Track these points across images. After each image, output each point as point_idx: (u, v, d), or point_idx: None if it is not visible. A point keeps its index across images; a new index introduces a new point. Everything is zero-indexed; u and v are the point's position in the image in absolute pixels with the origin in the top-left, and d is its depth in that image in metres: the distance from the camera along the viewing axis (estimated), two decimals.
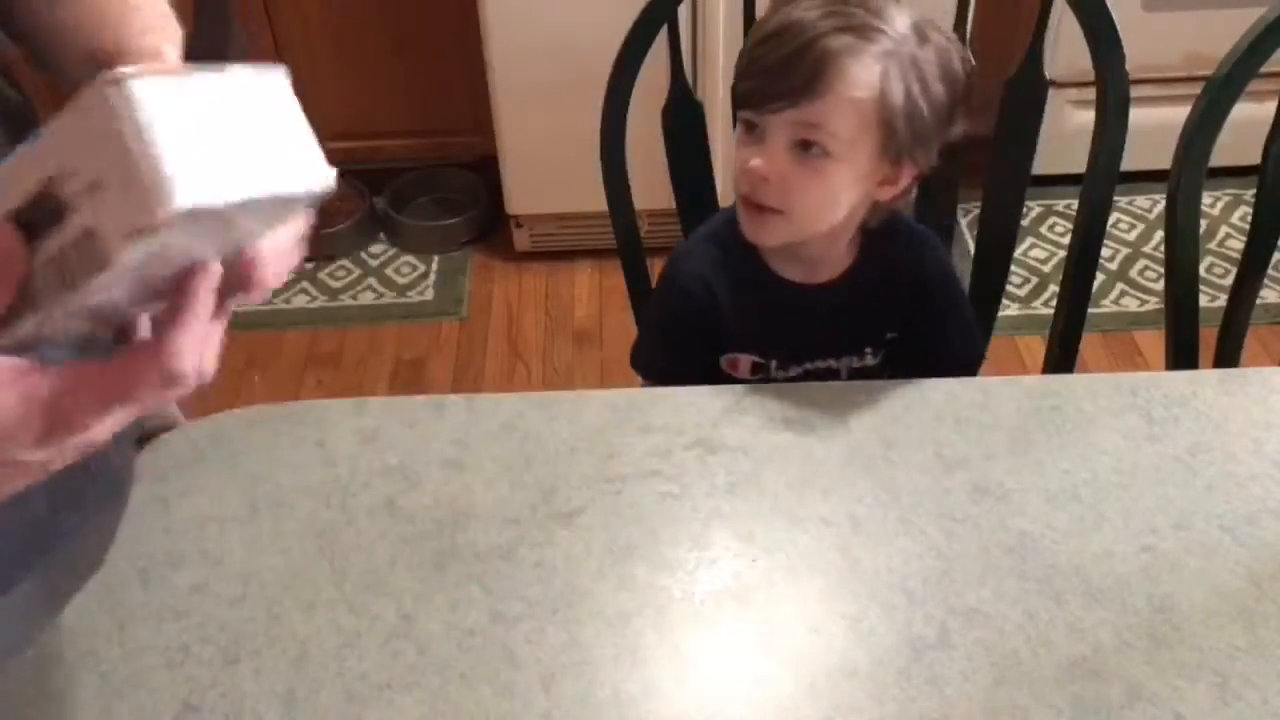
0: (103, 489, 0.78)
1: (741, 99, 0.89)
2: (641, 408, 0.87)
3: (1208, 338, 1.13)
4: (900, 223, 1.01)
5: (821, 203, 0.90)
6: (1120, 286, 2.19)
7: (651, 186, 1.23)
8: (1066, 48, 1.21)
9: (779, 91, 0.85)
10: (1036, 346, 2.02)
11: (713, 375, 1.01)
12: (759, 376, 1.01)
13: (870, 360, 1.01)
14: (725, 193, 1.16)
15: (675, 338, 1.03)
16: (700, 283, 0.99)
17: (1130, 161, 1.10)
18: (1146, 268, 2.23)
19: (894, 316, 1.00)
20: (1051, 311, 1.21)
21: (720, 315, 0.98)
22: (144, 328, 0.45)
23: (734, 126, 0.92)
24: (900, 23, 0.87)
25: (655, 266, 1.19)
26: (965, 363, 1.05)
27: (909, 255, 1.00)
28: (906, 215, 1.04)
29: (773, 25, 0.87)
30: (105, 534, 0.77)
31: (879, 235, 0.98)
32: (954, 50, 0.90)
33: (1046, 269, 2.23)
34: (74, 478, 0.73)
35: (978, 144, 1.14)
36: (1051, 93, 1.12)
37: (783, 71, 0.85)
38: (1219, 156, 1.04)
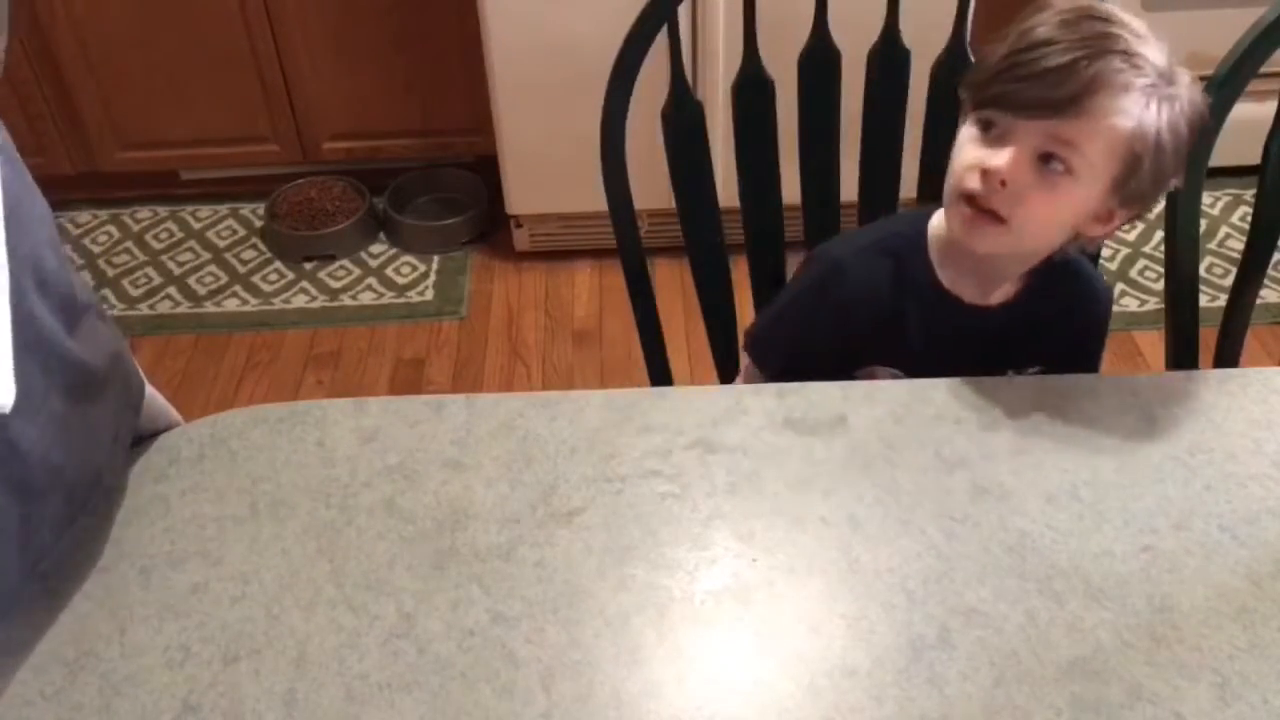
0: (96, 497, 0.78)
1: (993, 99, 0.86)
2: (641, 408, 0.87)
3: (1208, 338, 1.13)
4: (1080, 263, 1.00)
5: (1048, 220, 0.88)
6: (1120, 286, 2.19)
7: (651, 186, 1.23)
8: None
9: (1044, 100, 0.83)
10: None
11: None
12: None
13: None
14: (725, 193, 1.16)
15: (821, 344, 1.01)
16: (874, 294, 0.97)
17: None
18: (1146, 268, 2.23)
19: (1045, 351, 0.99)
20: None
21: (881, 328, 0.97)
22: None
23: (960, 121, 0.90)
24: (1156, 57, 0.84)
25: (655, 266, 1.19)
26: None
27: (1079, 297, 1.00)
28: (1085, 260, 1.03)
29: (1041, 34, 0.83)
30: (94, 537, 0.77)
31: (1054, 268, 0.96)
32: (1199, 94, 0.87)
33: None
34: (72, 498, 0.73)
35: None
36: None
37: (1053, 81, 0.82)
38: (1219, 156, 1.04)
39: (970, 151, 0.87)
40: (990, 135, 0.86)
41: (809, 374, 0.96)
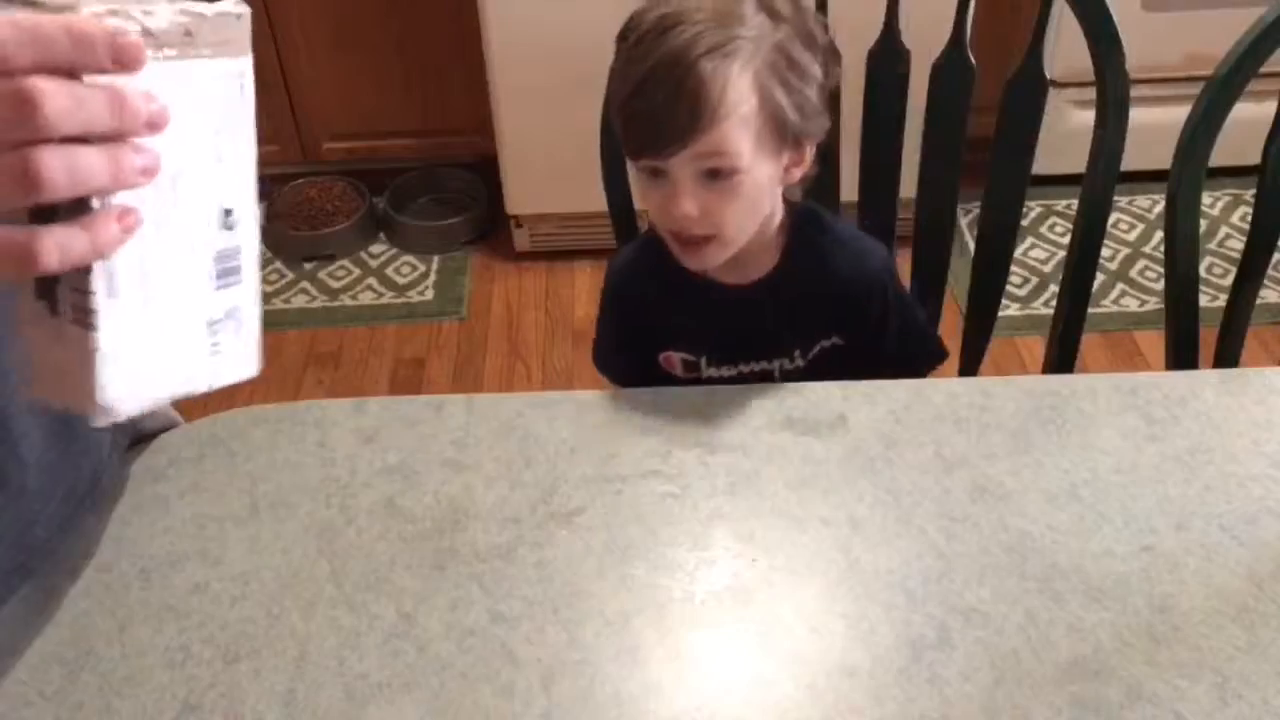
0: (94, 497, 0.78)
1: (635, 150, 0.89)
2: (641, 408, 0.87)
3: (1208, 338, 1.13)
4: (835, 228, 1.02)
5: (747, 214, 0.91)
6: (1120, 286, 2.19)
7: None
8: (1066, 48, 1.21)
9: (670, 136, 0.85)
10: (1036, 346, 2.02)
11: (654, 372, 1.05)
12: (692, 375, 1.04)
13: (799, 363, 1.02)
14: None
15: (618, 338, 1.08)
16: (628, 284, 1.04)
17: (1130, 161, 1.10)
18: (1146, 268, 2.23)
19: (825, 320, 1.01)
20: (1051, 311, 1.21)
21: (651, 314, 1.02)
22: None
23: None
24: (749, 9, 0.86)
25: None
26: (916, 364, 1.06)
27: (842, 260, 1.00)
28: (846, 224, 1.06)
29: (639, 72, 0.85)
30: (92, 536, 0.77)
31: (809, 236, 0.99)
32: (806, 12, 0.90)
33: (1046, 269, 2.23)
34: (67, 496, 0.73)
35: (978, 144, 1.14)
36: (1051, 93, 1.12)
37: (666, 115, 0.84)
38: (1219, 156, 1.04)
39: (650, 196, 0.91)
40: (659, 178, 0.89)
41: (634, 370, 1.04)
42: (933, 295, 1.20)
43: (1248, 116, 1.07)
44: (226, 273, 0.50)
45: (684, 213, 0.88)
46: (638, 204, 0.95)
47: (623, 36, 0.89)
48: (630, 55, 0.87)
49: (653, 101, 0.84)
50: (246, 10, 0.48)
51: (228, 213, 0.50)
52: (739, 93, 0.84)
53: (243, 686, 0.68)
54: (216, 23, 0.47)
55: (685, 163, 0.86)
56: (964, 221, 2.21)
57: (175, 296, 0.48)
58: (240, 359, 0.51)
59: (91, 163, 0.42)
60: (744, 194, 0.89)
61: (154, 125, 0.45)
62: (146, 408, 0.48)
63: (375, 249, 2.40)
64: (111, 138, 0.43)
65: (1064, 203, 2.35)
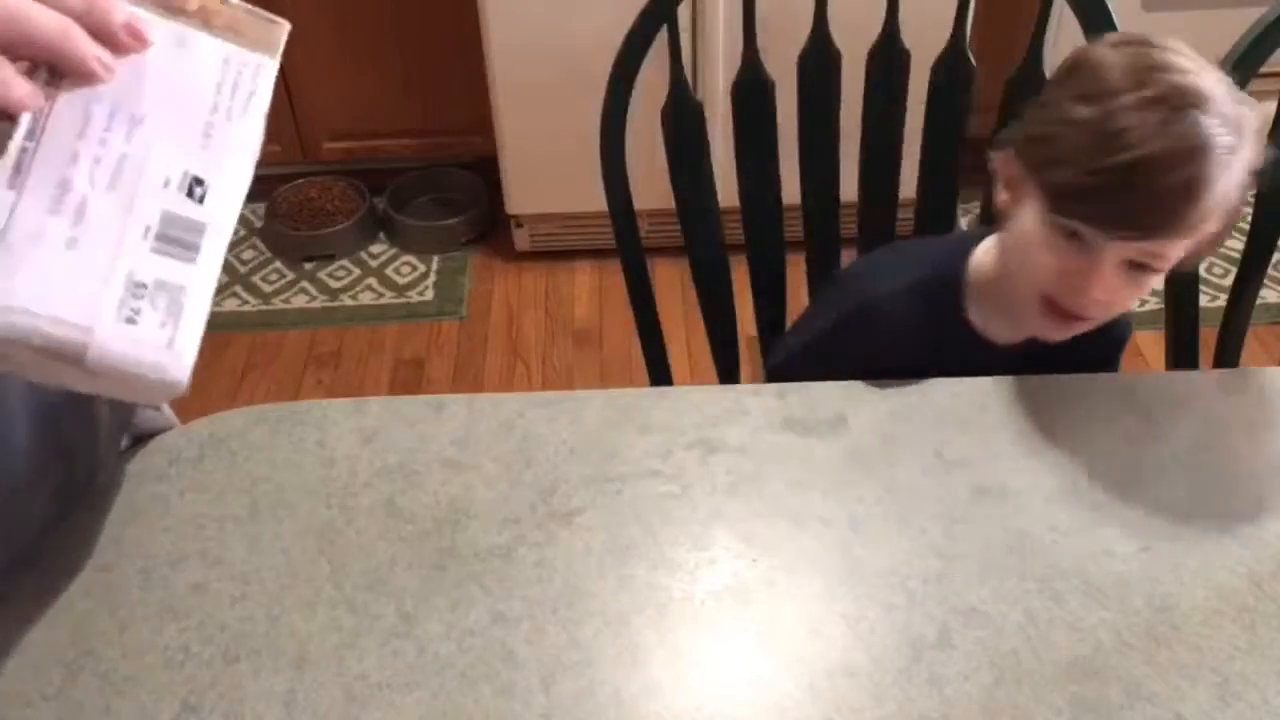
0: (90, 496, 0.78)
1: (1084, 216, 0.81)
2: (641, 408, 0.87)
3: (1208, 338, 1.13)
4: None
5: (1133, 302, 0.87)
6: None
7: (651, 186, 1.23)
8: (1066, 47, 1.21)
9: (1145, 227, 0.79)
10: None
11: None
12: None
13: None
14: (725, 193, 1.16)
15: (840, 365, 0.94)
16: (906, 340, 0.95)
17: None
18: None
19: (1069, 368, 0.95)
20: None
21: (907, 369, 0.91)
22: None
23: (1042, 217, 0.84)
24: (1227, 106, 0.78)
25: (655, 266, 1.19)
26: None
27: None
28: None
29: (1140, 149, 0.76)
30: (92, 536, 0.77)
31: None
32: (1258, 119, 0.82)
33: None
34: (62, 490, 0.73)
35: (978, 144, 1.14)
36: None
37: (1150, 207, 0.78)
38: None
39: (1055, 258, 0.84)
40: (1074, 243, 0.82)
41: None
42: None
43: None
44: (173, 240, 0.47)
45: (1094, 299, 0.83)
46: (1044, 267, 0.85)
47: (1134, 86, 0.79)
48: (1130, 116, 0.78)
49: (1142, 186, 0.77)
50: (284, 22, 0.48)
51: (197, 181, 0.47)
52: (1222, 203, 0.79)
53: (243, 686, 0.68)
54: (236, 11, 0.47)
55: (1127, 250, 0.81)
56: (964, 221, 2.21)
57: (97, 226, 0.45)
58: (162, 352, 0.46)
59: (39, 15, 0.41)
60: (1147, 288, 0.84)
61: (130, 31, 0.43)
62: (15, 326, 0.43)
63: (375, 249, 2.40)
64: (81, 21, 0.42)
65: None
